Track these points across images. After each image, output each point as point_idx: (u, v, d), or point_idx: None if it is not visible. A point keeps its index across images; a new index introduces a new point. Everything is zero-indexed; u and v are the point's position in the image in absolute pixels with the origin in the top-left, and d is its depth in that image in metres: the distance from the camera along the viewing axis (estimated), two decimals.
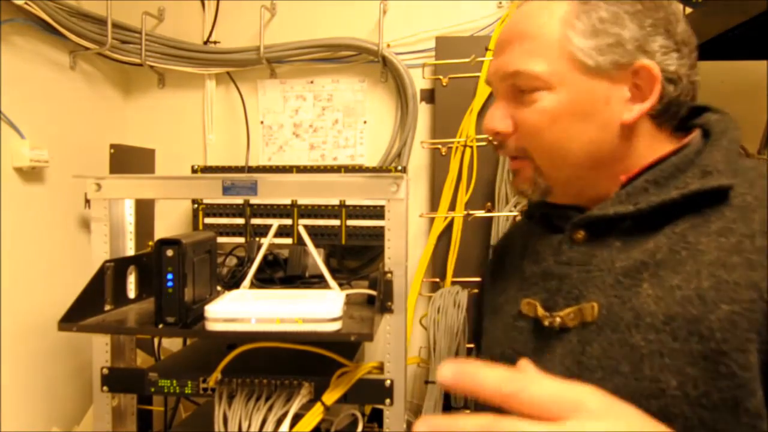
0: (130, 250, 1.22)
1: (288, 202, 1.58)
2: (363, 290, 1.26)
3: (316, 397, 1.03)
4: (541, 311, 0.62)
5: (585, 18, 0.59)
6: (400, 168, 1.62)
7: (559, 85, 0.60)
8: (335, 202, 1.56)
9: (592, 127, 0.60)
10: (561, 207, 0.67)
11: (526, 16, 0.62)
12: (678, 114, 0.63)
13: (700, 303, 0.51)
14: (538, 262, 0.66)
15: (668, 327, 0.51)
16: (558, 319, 0.60)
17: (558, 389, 0.39)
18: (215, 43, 1.77)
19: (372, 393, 1.04)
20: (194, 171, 1.61)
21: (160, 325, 0.99)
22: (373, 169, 1.67)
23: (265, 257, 1.41)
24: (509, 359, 0.63)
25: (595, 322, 0.57)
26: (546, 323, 0.61)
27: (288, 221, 1.57)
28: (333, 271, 1.26)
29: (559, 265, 0.63)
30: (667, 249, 0.55)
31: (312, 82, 1.76)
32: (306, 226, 1.40)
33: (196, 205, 1.60)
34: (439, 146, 1.62)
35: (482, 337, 0.77)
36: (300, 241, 1.50)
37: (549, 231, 0.68)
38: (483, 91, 1.58)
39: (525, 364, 0.47)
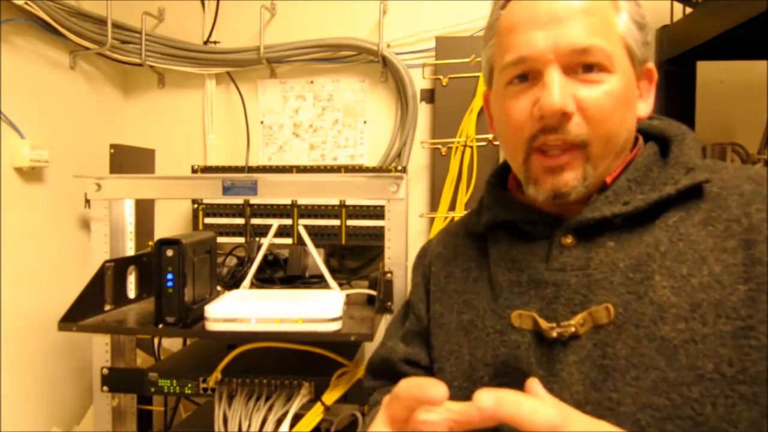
0: (130, 250, 1.22)
1: (288, 202, 1.58)
2: (363, 290, 1.26)
3: (316, 397, 1.03)
4: (544, 323, 0.58)
5: (635, 8, 0.60)
6: (400, 168, 1.62)
7: (618, 69, 0.58)
8: (335, 202, 1.56)
9: (631, 117, 0.61)
10: (531, 213, 0.65)
11: None
12: None
13: (719, 287, 0.53)
14: (521, 270, 0.62)
15: (696, 314, 0.52)
16: (572, 328, 0.56)
17: None
18: (215, 43, 1.77)
19: None
20: (194, 171, 1.62)
21: (160, 325, 0.99)
22: (373, 169, 1.67)
23: (265, 257, 1.41)
24: (507, 377, 0.60)
25: (612, 322, 0.55)
26: (554, 334, 0.57)
27: (288, 221, 1.57)
28: (333, 271, 1.26)
29: (553, 272, 0.60)
30: (667, 241, 0.56)
31: (312, 82, 1.76)
32: (306, 226, 1.40)
33: (196, 205, 1.60)
34: (439, 146, 1.62)
35: (438, 355, 0.69)
36: (300, 241, 1.50)
37: (516, 238, 0.65)
38: (483, 91, 1.58)
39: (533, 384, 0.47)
